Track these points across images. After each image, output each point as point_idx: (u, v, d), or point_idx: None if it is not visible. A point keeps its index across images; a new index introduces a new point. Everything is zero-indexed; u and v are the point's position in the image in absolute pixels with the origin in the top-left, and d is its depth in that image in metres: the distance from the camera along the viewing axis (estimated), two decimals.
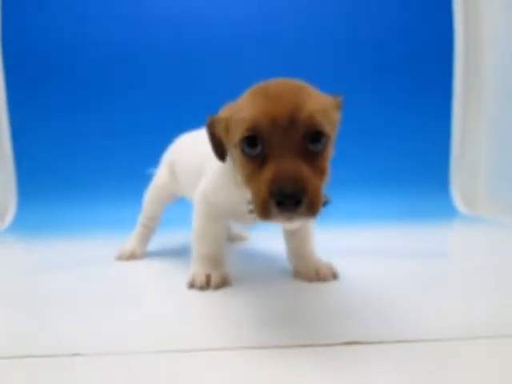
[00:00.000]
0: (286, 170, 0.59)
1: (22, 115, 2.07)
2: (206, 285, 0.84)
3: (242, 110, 0.66)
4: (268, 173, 0.60)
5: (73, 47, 2.08)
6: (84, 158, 2.07)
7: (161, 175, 1.19)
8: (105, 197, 1.95)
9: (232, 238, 1.41)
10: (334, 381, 0.49)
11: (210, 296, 0.81)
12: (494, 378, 0.49)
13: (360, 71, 2.15)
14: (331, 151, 0.68)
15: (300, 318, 0.69)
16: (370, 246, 1.24)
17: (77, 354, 0.56)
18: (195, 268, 0.88)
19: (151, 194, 1.21)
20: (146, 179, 1.24)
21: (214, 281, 0.84)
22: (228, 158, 0.79)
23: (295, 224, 0.66)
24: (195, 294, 0.82)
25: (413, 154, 2.14)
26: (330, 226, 1.54)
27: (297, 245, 0.93)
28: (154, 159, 1.26)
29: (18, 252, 1.43)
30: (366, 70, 2.16)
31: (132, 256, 1.16)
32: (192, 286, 0.85)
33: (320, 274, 0.88)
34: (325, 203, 0.66)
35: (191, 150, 1.07)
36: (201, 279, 0.85)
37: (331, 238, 1.34)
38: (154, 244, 1.27)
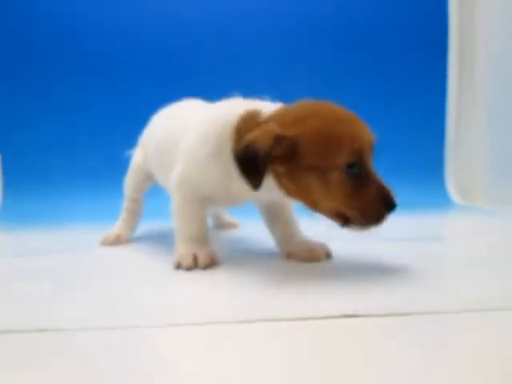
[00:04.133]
0: (387, 188, 0.73)
1: (5, 108, 2.01)
2: (194, 265, 0.80)
3: (332, 136, 0.70)
4: (375, 191, 0.72)
5: (51, 41, 2.01)
6: (70, 148, 2.00)
7: (135, 156, 1.18)
8: (91, 186, 1.89)
9: (222, 226, 1.36)
10: (334, 352, 0.45)
11: (199, 275, 0.77)
12: (490, 350, 0.45)
13: (354, 62, 2.11)
14: None
15: (295, 292, 0.65)
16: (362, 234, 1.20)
17: (62, 329, 0.52)
18: (180, 249, 0.83)
19: (129, 176, 1.19)
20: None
21: (202, 260, 0.80)
22: (222, 145, 0.78)
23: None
24: (183, 274, 0.78)
25: (407, 144, 2.10)
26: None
27: (283, 227, 0.90)
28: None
29: (3, 240, 1.38)
30: (359, 60, 2.12)
31: (117, 240, 1.11)
32: (178, 266, 0.81)
33: (313, 254, 0.84)
34: None
35: (159, 129, 1.04)
36: (187, 259, 0.80)
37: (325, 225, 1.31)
38: (140, 230, 1.23)
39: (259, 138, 0.69)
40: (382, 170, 2.05)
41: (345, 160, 0.70)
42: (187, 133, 0.86)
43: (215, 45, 2.06)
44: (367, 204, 0.71)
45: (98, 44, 2.03)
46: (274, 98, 0.83)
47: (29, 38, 2.01)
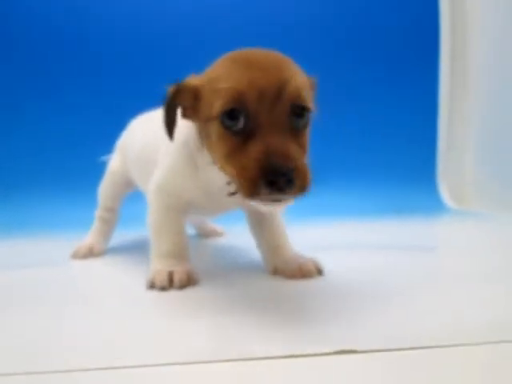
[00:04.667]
0: (277, 148, 0.55)
1: None
2: (169, 284, 0.71)
3: (221, 78, 0.59)
4: (256, 149, 0.55)
5: (33, 39, 1.93)
6: (47, 156, 1.91)
7: (113, 162, 1.10)
8: (62, 194, 1.79)
9: (206, 234, 1.28)
10: None
11: (174, 297, 0.68)
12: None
13: (344, 63, 2.05)
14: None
15: (283, 322, 0.56)
16: (356, 241, 1.13)
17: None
18: (155, 266, 0.75)
19: (105, 183, 1.10)
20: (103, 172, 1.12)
21: (178, 278, 0.71)
22: (186, 137, 0.72)
23: (281, 207, 0.59)
24: (156, 296, 0.69)
25: (400, 148, 2.06)
26: (317, 220, 1.45)
27: (270, 238, 0.81)
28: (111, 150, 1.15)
29: None
30: (350, 62, 2.06)
31: (89, 253, 1.03)
32: (152, 286, 0.72)
33: (303, 270, 0.76)
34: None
35: (141, 133, 0.97)
36: (162, 278, 0.72)
37: (319, 232, 1.29)
38: (115, 241, 1.14)
39: (170, 89, 0.66)
40: (374, 174, 2.01)
41: (219, 109, 0.58)
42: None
43: (210, 47, 1.97)
44: (241, 169, 0.56)
45: (81, 47, 1.95)
46: None
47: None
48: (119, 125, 1.11)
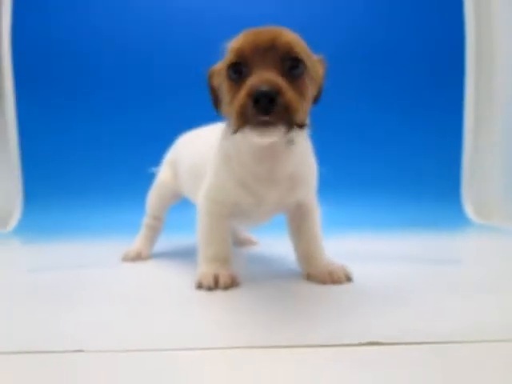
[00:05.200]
0: (263, 77, 0.64)
1: (29, 120, 2.06)
2: (214, 285, 0.81)
3: (229, 46, 0.71)
4: (248, 84, 0.65)
5: (79, 53, 2.07)
6: (90, 162, 2.05)
7: (162, 174, 1.18)
8: (111, 200, 1.93)
9: (241, 242, 1.37)
10: (353, 381, 0.45)
11: (219, 296, 0.78)
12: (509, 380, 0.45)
13: (371, 77, 2.12)
14: (311, 89, 0.73)
15: (314, 317, 0.65)
16: (384, 253, 1.21)
17: (80, 351, 0.53)
18: (202, 269, 0.85)
19: (154, 193, 1.20)
20: (151, 182, 1.22)
21: (223, 281, 0.81)
22: (226, 150, 0.82)
23: (273, 135, 0.67)
24: (203, 295, 0.79)
25: (425, 163, 2.11)
26: (344, 232, 1.52)
27: (305, 247, 0.90)
28: (158, 160, 1.24)
29: (22, 254, 1.41)
30: (379, 76, 2.13)
31: (138, 257, 1.13)
32: (200, 286, 0.82)
33: (334, 276, 0.84)
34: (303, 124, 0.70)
35: (191, 149, 1.06)
36: (208, 280, 0.81)
37: (346, 243, 1.34)
38: (159, 246, 1.24)
39: (208, 74, 0.81)
40: (400, 188, 2.05)
41: (227, 62, 0.70)
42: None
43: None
44: (236, 103, 0.66)
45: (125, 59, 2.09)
46: None
47: (64, 52, 2.07)
48: (163, 139, 1.21)
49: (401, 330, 0.59)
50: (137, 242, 1.18)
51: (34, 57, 2.05)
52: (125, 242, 1.22)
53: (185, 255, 1.16)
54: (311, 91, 0.73)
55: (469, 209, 2.04)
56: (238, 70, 0.69)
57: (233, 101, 0.68)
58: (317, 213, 0.92)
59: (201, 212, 0.89)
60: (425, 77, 2.14)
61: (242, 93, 0.65)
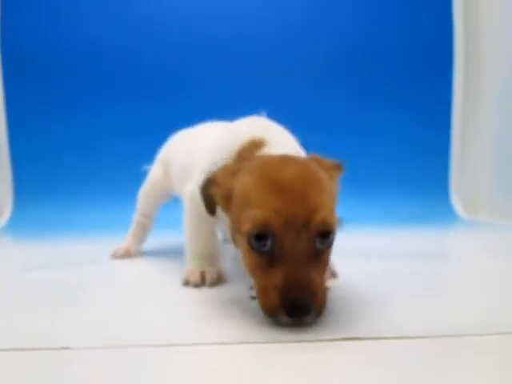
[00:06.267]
0: (298, 280, 0.57)
1: (20, 116, 2.06)
2: (201, 282, 0.82)
3: (250, 199, 0.62)
4: (279, 276, 0.57)
5: (69, 52, 2.07)
6: (80, 159, 2.06)
7: (154, 172, 1.19)
8: (101, 197, 1.93)
9: (228, 240, 1.38)
10: (335, 374, 0.47)
11: (206, 293, 0.79)
12: (492, 374, 0.47)
13: (361, 77, 2.14)
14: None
15: None
16: (371, 249, 1.22)
17: (67, 348, 0.53)
18: (189, 266, 0.86)
19: (145, 191, 1.20)
20: (141, 179, 1.22)
21: (209, 277, 0.82)
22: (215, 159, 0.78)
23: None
24: (190, 292, 0.80)
25: (413, 159, 2.13)
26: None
27: None
28: (149, 159, 1.25)
29: (13, 251, 1.41)
30: (367, 76, 2.15)
31: (127, 254, 1.14)
32: (187, 283, 0.83)
33: None
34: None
35: (184, 148, 1.06)
36: (195, 276, 0.82)
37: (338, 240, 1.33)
38: (149, 243, 1.25)
39: (208, 178, 0.71)
40: (387, 184, 2.07)
41: (247, 229, 0.60)
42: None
43: (224, 56, 2.09)
44: (263, 292, 0.60)
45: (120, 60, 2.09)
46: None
47: (55, 48, 2.07)
48: (154, 137, 1.20)
49: (382, 325, 0.60)
50: (126, 240, 1.19)
51: (24, 56, 2.05)
52: (114, 240, 1.22)
53: (174, 252, 1.16)
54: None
55: (457, 204, 2.07)
56: (263, 239, 0.59)
57: (257, 273, 0.62)
58: None
59: (187, 211, 0.90)
60: (413, 74, 2.17)
61: (273, 290, 0.57)
